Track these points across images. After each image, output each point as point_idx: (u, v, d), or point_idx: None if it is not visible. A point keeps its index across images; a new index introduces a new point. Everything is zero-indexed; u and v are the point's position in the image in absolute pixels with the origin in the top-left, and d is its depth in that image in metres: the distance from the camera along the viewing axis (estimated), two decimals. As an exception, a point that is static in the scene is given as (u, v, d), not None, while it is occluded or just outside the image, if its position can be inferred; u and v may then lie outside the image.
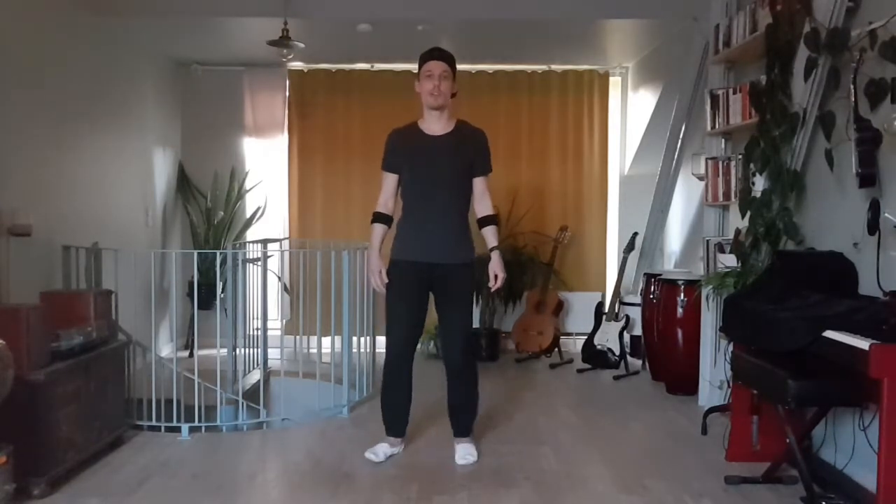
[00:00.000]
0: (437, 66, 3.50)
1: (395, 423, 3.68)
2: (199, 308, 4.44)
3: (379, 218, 3.63)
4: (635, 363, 5.57)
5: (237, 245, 5.54)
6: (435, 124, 3.57)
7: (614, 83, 6.72)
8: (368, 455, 3.58)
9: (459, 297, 3.60)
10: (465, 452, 3.60)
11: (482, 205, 3.65)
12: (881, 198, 3.04)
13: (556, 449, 3.77)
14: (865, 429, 2.99)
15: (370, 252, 3.64)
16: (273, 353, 5.13)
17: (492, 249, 3.62)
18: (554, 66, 6.56)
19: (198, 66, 6.44)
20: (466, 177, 3.60)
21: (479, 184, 3.63)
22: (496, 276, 3.58)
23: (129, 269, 4.22)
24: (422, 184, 3.56)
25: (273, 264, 5.56)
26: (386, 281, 3.56)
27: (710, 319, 4.43)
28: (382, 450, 3.61)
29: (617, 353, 5.58)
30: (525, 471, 3.45)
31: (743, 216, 3.87)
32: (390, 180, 3.62)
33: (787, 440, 3.02)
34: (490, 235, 3.65)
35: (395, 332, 3.59)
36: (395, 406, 3.67)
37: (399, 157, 3.59)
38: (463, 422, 3.69)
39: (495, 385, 5.07)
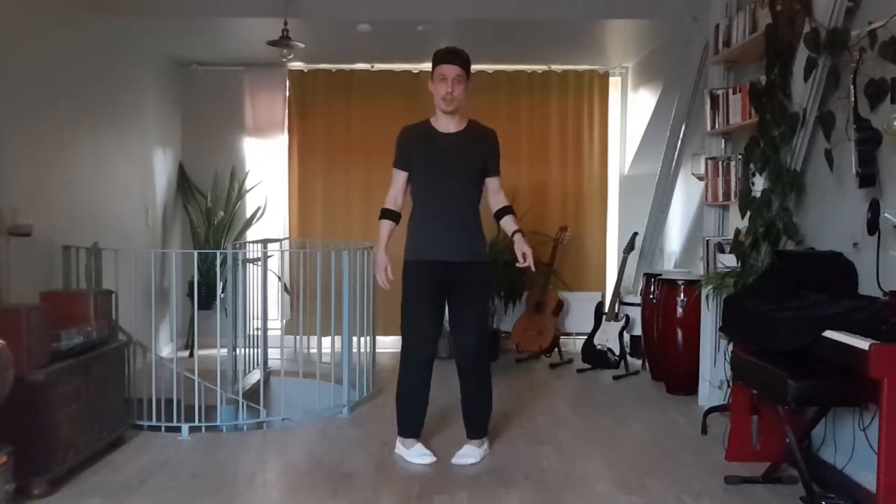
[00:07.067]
0: (451, 70, 3.43)
1: (415, 424, 3.63)
2: (199, 308, 4.45)
3: (387, 214, 3.61)
4: (635, 363, 5.57)
5: (237, 245, 5.53)
6: (447, 123, 3.56)
7: (614, 83, 6.72)
8: (419, 460, 3.53)
9: (476, 295, 3.56)
10: (464, 453, 3.57)
11: (497, 199, 3.66)
12: (881, 198, 3.04)
13: (556, 449, 3.77)
14: (865, 429, 2.99)
15: (377, 248, 3.61)
16: (273, 353, 5.13)
17: (514, 233, 3.61)
18: (554, 66, 6.56)
19: (198, 66, 6.44)
20: (478, 175, 3.58)
21: (492, 183, 3.64)
22: (524, 255, 3.53)
23: (129, 269, 4.22)
24: (434, 181, 3.53)
25: (273, 264, 5.56)
26: (391, 278, 3.53)
27: (710, 319, 4.42)
28: (420, 450, 3.57)
29: (617, 353, 5.58)
30: (525, 471, 3.45)
31: (743, 216, 3.87)
32: (400, 177, 3.60)
33: (787, 440, 3.02)
34: (510, 222, 3.65)
35: (417, 334, 3.53)
36: (415, 407, 3.62)
37: (410, 154, 3.56)
38: (477, 424, 3.64)
39: (495, 385, 4.91)
